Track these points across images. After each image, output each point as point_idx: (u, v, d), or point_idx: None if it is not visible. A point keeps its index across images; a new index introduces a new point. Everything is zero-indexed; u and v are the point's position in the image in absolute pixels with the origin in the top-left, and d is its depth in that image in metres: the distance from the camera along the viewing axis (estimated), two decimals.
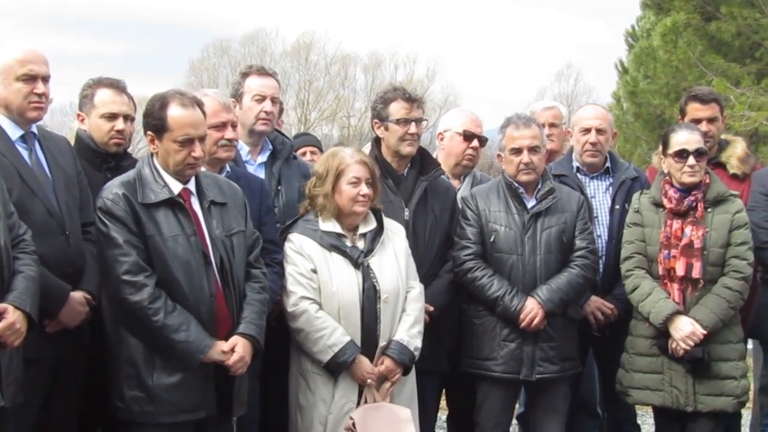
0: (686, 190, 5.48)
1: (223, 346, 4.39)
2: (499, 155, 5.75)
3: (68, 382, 4.59)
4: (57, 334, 4.44)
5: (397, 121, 5.53)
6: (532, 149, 5.53)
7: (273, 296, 4.93)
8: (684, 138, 5.48)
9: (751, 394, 6.34)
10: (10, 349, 4.01)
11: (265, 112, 5.46)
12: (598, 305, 5.84)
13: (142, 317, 4.27)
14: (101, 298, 4.62)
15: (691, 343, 5.32)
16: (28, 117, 4.58)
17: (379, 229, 5.14)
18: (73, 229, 4.57)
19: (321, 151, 7.00)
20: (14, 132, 4.59)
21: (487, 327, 5.52)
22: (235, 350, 4.41)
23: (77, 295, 4.50)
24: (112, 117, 5.12)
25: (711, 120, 6.09)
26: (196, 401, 4.40)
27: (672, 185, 5.51)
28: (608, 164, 6.16)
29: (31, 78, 4.53)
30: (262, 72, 5.67)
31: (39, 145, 4.68)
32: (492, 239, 5.53)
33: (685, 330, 5.32)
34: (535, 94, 46.63)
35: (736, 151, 6.26)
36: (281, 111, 7.22)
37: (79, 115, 5.30)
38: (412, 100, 5.60)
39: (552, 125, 6.64)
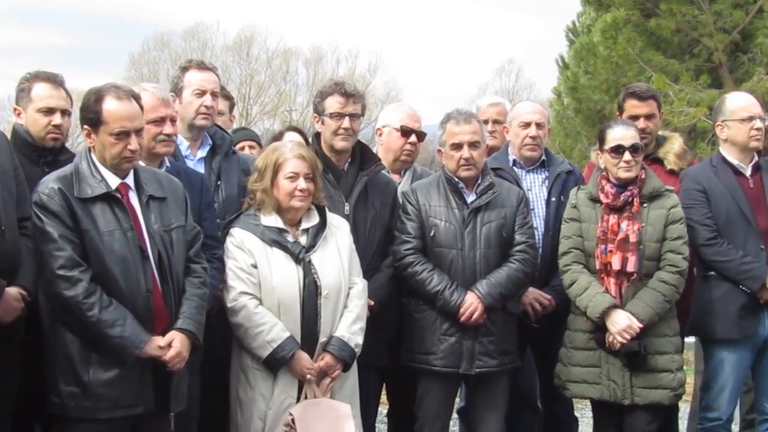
0: (622, 185, 5.56)
1: (160, 341, 4.38)
2: (439, 150, 5.80)
3: (2, 379, 4.53)
4: None
5: (331, 115, 5.57)
6: (473, 145, 5.58)
7: (213, 291, 4.94)
8: (620, 134, 5.57)
9: (690, 387, 6.46)
10: None
11: (205, 107, 5.46)
12: (535, 296, 5.92)
13: (76, 312, 4.26)
14: (38, 294, 4.57)
15: (628, 337, 5.41)
16: None
17: (322, 225, 5.16)
18: (9, 224, 4.50)
19: (260, 145, 7.00)
20: None
21: (427, 321, 5.56)
22: (172, 345, 4.41)
23: (12, 290, 4.43)
24: (49, 111, 5.09)
25: (648, 116, 6.22)
26: (133, 397, 4.39)
27: (609, 180, 5.60)
28: (544, 158, 6.25)
29: None
30: (202, 66, 5.66)
31: None
32: (432, 234, 5.57)
33: (622, 324, 5.41)
34: (476, 89, 47.03)
35: (674, 147, 6.38)
36: (232, 106, 7.18)
37: (15, 109, 5.27)
38: (348, 95, 5.62)
39: (496, 122, 6.69)
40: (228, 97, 6.77)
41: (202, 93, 5.45)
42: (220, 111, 6.25)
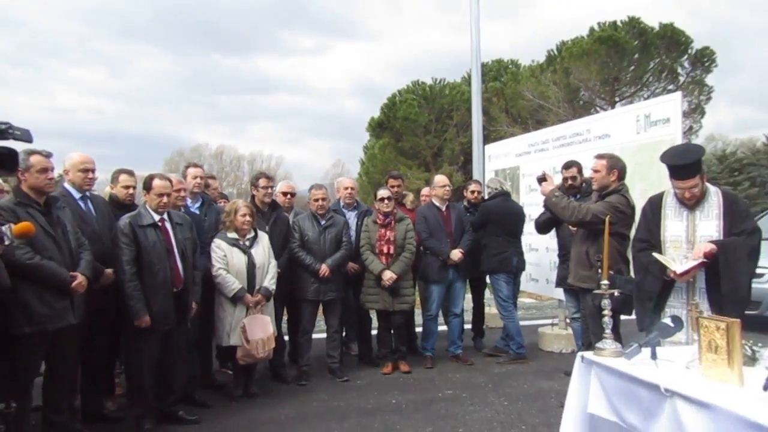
0: (386, 214, 5.77)
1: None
2: (309, 202, 5.76)
3: (102, 309, 4.32)
4: (96, 292, 4.16)
5: (262, 188, 5.54)
6: (323, 198, 5.66)
7: (204, 269, 4.87)
8: (381, 193, 5.79)
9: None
10: (76, 295, 3.85)
11: (197, 184, 5.37)
12: (351, 265, 5.91)
13: (129, 285, 4.20)
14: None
15: (391, 282, 5.62)
16: (84, 188, 4.44)
17: (256, 236, 5.13)
18: (106, 240, 4.38)
19: (227, 199, 6.77)
20: (76, 192, 4.39)
21: (305, 277, 5.52)
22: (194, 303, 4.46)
23: (108, 271, 4.30)
24: (127, 187, 4.89)
25: (399, 186, 6.37)
26: (169, 317, 4.33)
27: (380, 212, 5.78)
28: (356, 205, 6.26)
29: (85, 171, 4.40)
30: (194, 165, 5.54)
31: (90, 202, 4.46)
32: (306, 238, 5.59)
33: (387, 276, 5.62)
34: (323, 173, 46.90)
35: (409, 198, 6.62)
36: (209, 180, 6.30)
37: (111, 186, 5.01)
38: (269, 178, 5.61)
39: (352, 188, 6.27)
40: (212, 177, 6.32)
41: (195, 177, 5.36)
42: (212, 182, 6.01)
